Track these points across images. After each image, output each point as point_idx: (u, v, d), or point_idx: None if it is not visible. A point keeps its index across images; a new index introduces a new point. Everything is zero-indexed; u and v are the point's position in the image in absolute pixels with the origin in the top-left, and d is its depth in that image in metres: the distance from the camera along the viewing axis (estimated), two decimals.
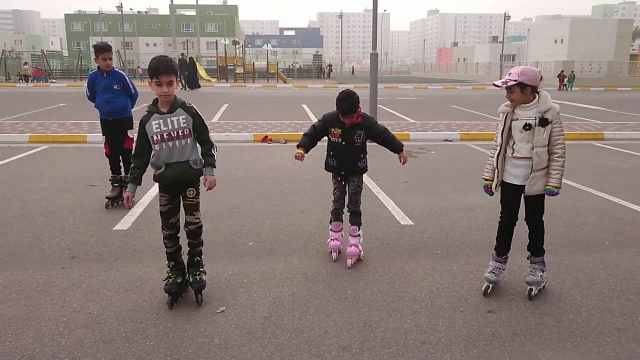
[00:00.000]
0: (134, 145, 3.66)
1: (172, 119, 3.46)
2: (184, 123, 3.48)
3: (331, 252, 4.60)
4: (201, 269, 3.80)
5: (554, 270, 4.33)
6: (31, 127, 12.95)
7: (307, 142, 4.41)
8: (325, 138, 4.50)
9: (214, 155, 3.63)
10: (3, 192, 6.84)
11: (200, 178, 3.66)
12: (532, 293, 3.83)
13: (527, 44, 57.25)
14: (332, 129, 4.35)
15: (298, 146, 4.38)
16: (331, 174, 4.57)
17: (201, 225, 3.73)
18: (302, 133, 4.55)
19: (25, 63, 41.14)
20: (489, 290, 3.88)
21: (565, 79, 34.93)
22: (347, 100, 4.19)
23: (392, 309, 3.65)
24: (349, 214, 4.54)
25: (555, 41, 49.78)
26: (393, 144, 4.51)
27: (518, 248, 4.31)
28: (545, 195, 3.74)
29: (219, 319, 3.48)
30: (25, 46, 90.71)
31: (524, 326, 3.40)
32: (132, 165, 3.61)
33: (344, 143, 4.35)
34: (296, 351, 3.10)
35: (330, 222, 4.65)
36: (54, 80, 41.85)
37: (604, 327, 3.41)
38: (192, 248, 3.79)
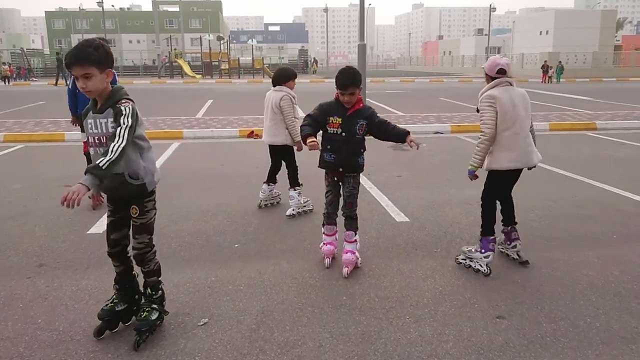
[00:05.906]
0: None
1: (100, 121, 2.77)
2: (112, 128, 2.73)
3: (324, 257, 4.17)
4: (153, 306, 3.08)
5: (563, 268, 4.04)
6: (6, 125, 12.42)
7: (312, 130, 3.76)
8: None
9: (105, 157, 2.59)
10: None
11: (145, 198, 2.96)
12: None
13: (512, 36, 57.07)
14: (331, 118, 3.84)
15: (307, 136, 3.68)
16: (324, 173, 4.09)
17: (148, 252, 3.05)
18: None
19: (4, 63, 40.04)
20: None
21: (551, 70, 33.72)
22: (347, 71, 3.77)
23: (392, 316, 3.31)
24: (344, 217, 4.11)
25: (540, 33, 49.69)
26: (396, 132, 3.87)
27: (526, 239, 4.01)
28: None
29: (200, 332, 3.12)
30: (6, 44, 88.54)
31: (539, 333, 3.09)
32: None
33: (344, 134, 3.84)
34: None
35: (323, 225, 4.21)
36: (34, 79, 40.93)
37: (625, 331, 3.11)
38: (144, 275, 3.14)
